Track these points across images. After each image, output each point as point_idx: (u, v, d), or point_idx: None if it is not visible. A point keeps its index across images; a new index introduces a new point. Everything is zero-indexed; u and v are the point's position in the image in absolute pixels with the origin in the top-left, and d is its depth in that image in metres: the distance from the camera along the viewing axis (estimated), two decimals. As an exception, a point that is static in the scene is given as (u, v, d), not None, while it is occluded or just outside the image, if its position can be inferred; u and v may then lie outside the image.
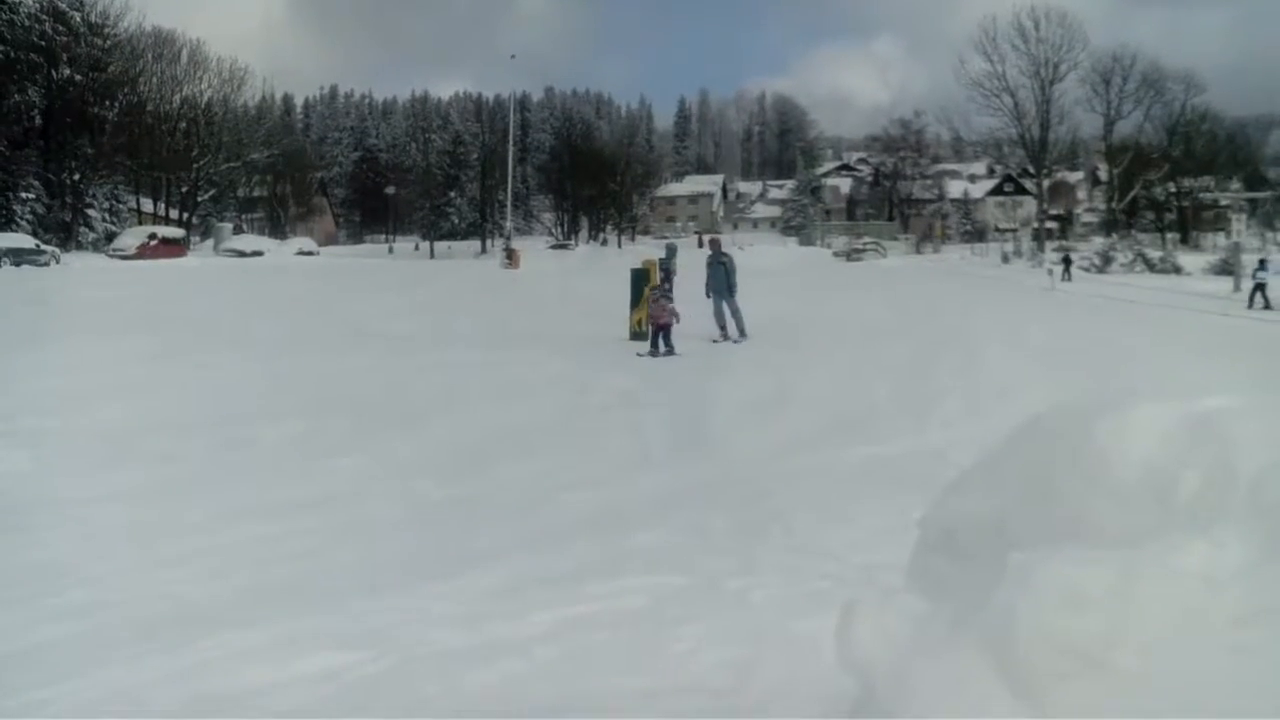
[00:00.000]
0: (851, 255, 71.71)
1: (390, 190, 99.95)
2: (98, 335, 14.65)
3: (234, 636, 4.64)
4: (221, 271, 41.89)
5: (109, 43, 73.72)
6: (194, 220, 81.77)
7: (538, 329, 19.31)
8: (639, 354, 16.57)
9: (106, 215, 73.71)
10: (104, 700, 4.03)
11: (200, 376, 13.24)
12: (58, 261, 49.96)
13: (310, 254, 68.88)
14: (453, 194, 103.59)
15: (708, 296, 19.50)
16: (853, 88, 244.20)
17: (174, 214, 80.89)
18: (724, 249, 20.73)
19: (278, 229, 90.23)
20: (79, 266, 46.29)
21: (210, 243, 73.97)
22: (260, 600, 5.19)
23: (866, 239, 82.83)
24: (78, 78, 69.12)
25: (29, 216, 66.12)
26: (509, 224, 71.78)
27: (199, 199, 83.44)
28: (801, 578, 5.36)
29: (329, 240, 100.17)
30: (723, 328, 18.99)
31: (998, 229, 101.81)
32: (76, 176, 70.40)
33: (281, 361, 14.38)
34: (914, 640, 2.40)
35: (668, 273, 26.29)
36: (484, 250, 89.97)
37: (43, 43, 67.45)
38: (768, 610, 4.88)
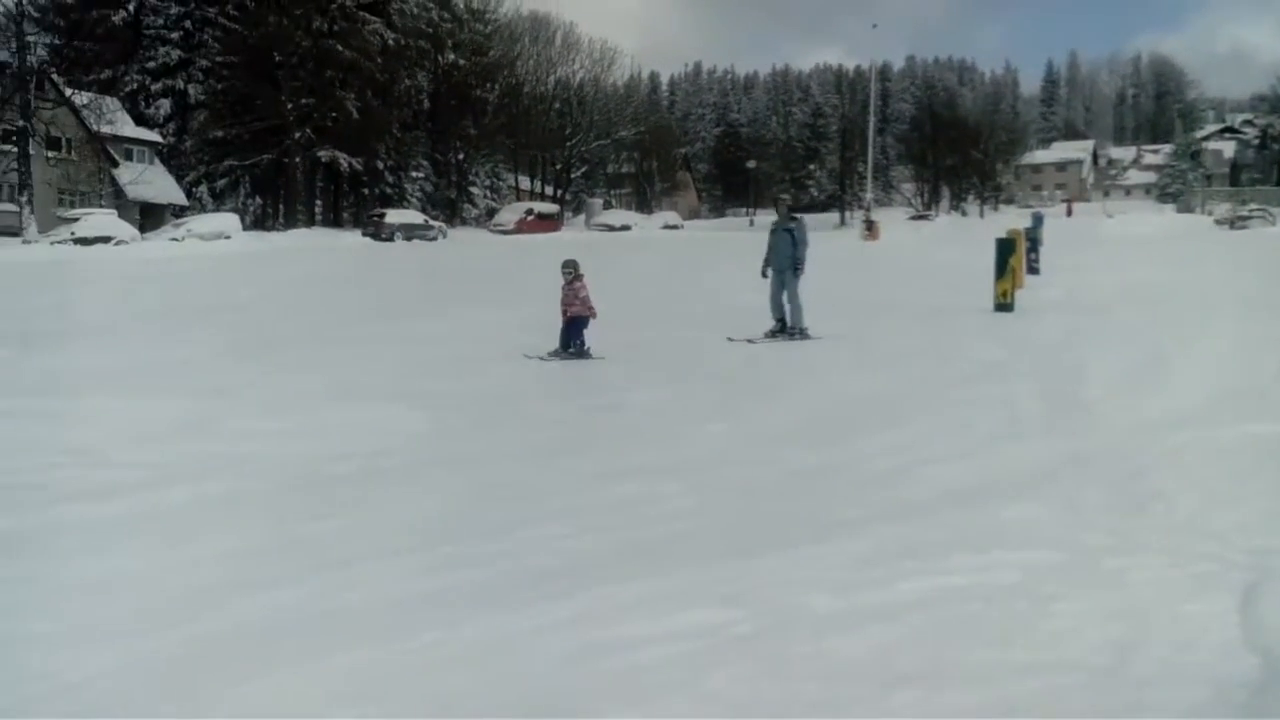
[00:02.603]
0: (1235, 223, 66.86)
1: (751, 164, 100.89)
2: (483, 304, 15.57)
3: (613, 590, 4.86)
4: (592, 245, 43.47)
5: (489, 28, 77.95)
6: (567, 196, 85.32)
7: (897, 299, 19.07)
8: (526, 355, 13.49)
9: (488, 192, 78.25)
10: (492, 645, 4.31)
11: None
12: (444, 236, 53.28)
13: (674, 228, 70.57)
14: (812, 166, 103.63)
15: (764, 275, 15.59)
16: (1253, 43, 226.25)
17: (549, 190, 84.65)
18: (794, 213, 16.33)
19: (644, 204, 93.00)
20: (463, 240, 49.11)
21: (582, 218, 76.97)
22: (636, 557, 5.39)
23: (1252, 205, 76.98)
24: (461, 62, 73.41)
25: (419, 194, 71.10)
26: (868, 195, 71.13)
27: (571, 176, 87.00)
28: (1184, 559, 5.10)
29: (692, 214, 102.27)
30: (780, 319, 15.24)
31: None
32: (461, 156, 74.96)
33: (641, 332, 14.83)
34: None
35: (1034, 242, 25.42)
36: (843, 222, 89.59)
37: (430, 30, 72.01)
38: (1148, 590, 4.68)
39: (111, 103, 57.82)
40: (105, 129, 56.32)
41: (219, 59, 64.18)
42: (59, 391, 10.86)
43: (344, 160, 65.75)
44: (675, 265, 29.25)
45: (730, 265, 29.17)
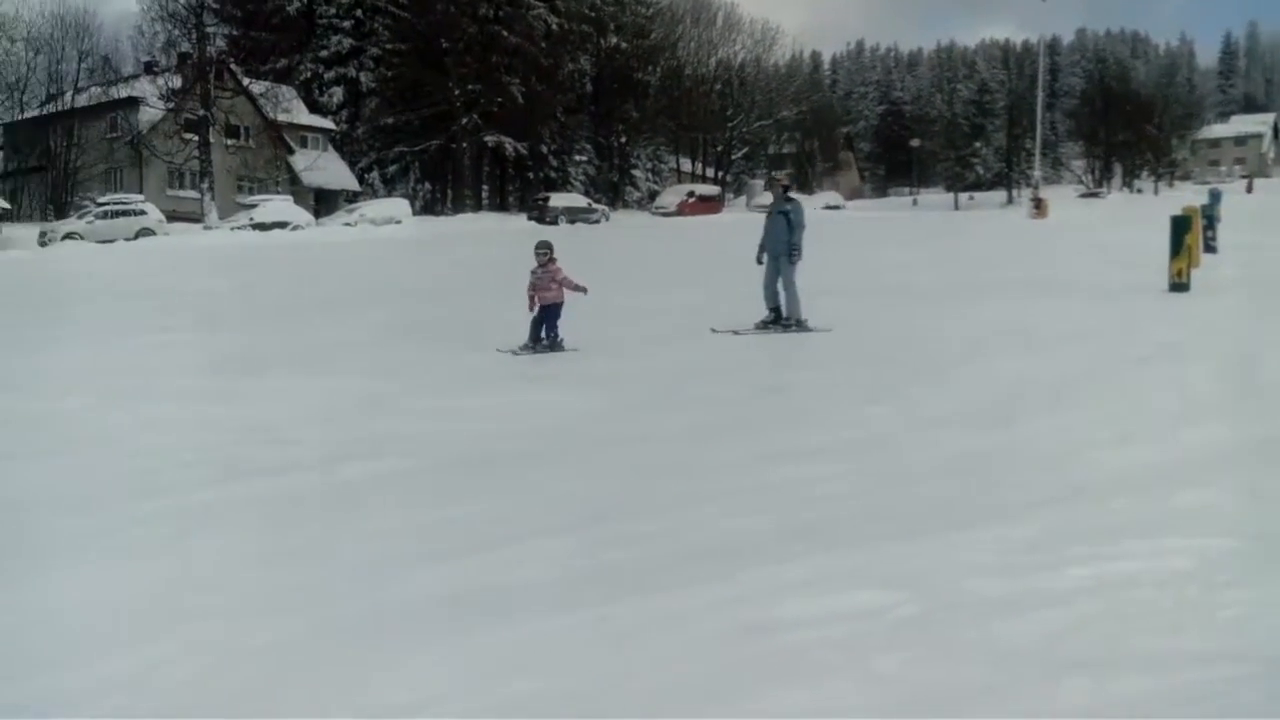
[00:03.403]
0: None
1: (915, 142, 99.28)
2: (644, 286, 15.66)
3: (774, 570, 4.87)
4: (753, 226, 43.46)
5: (651, 10, 78.34)
6: (728, 178, 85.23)
7: (1067, 279, 18.57)
8: (499, 349, 12.63)
9: (649, 175, 78.67)
10: (654, 622, 4.36)
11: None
12: (606, 219, 53.77)
13: (836, 208, 69.95)
14: (978, 144, 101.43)
15: (759, 261, 14.46)
16: None
17: (709, 172, 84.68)
18: (791, 193, 14.99)
19: (805, 184, 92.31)
20: (625, 223, 49.39)
21: (743, 199, 76.86)
22: (797, 538, 5.38)
23: None
24: (624, 45, 73.92)
25: (581, 178, 71.82)
26: (1036, 172, 69.30)
27: (732, 157, 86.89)
28: (1372, 549, 4.92)
29: (853, 194, 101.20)
30: (774, 308, 14.15)
31: None
32: (623, 139, 75.51)
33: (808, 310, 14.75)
34: None
35: (1211, 220, 24.48)
36: (1010, 200, 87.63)
37: (592, 14, 72.66)
38: (1329, 579, 4.53)
39: (287, 91, 59.78)
40: (281, 117, 58.30)
41: (389, 47, 65.77)
42: (240, 371, 11.30)
43: (509, 145, 66.83)
44: (833, 247, 28.95)
45: (890, 246, 28.84)
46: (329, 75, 68.08)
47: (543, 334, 12.72)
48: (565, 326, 12.76)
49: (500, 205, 70.30)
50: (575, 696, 3.77)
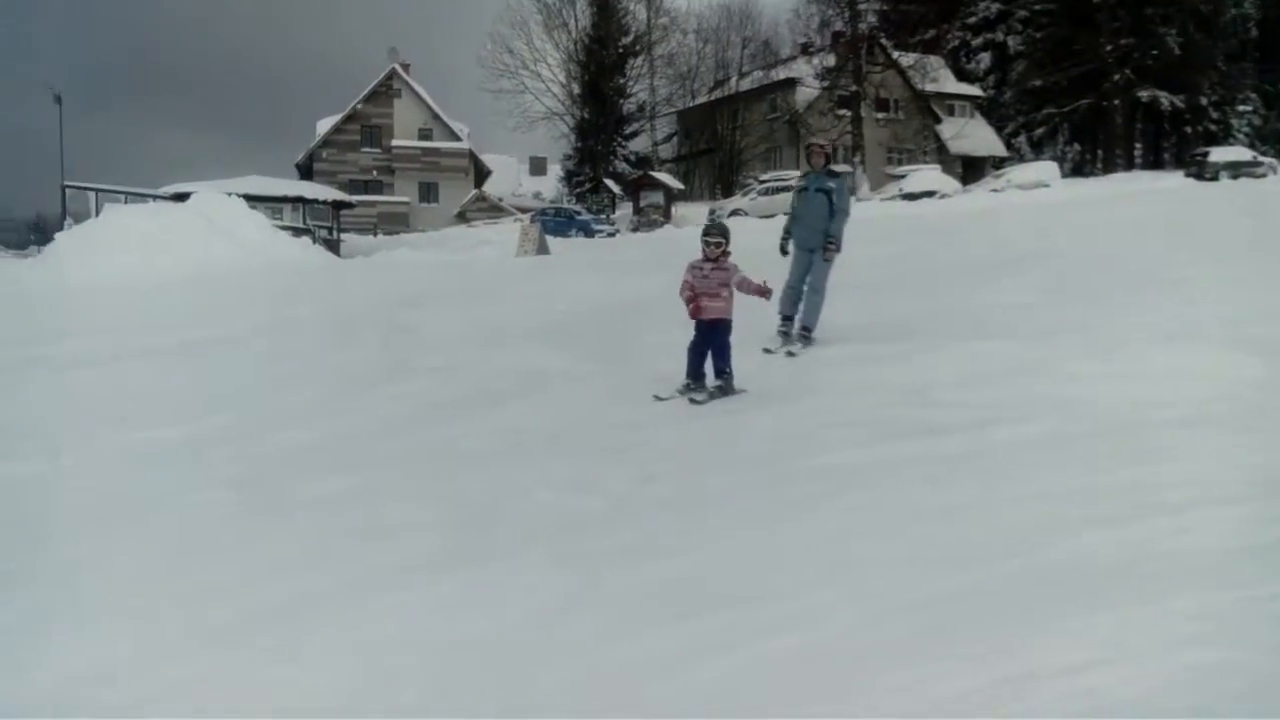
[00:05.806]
0: None
1: None
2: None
3: None
4: None
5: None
6: None
7: None
8: (659, 396, 9.45)
9: (1329, 121, 71.32)
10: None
11: None
12: (1274, 173, 49.69)
13: None
14: None
15: (783, 253, 11.41)
16: None
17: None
18: (836, 164, 11.62)
19: None
20: (1296, 177, 45.29)
21: None
22: None
23: None
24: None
25: (1246, 129, 66.62)
26: None
27: None
28: None
29: None
30: (788, 316, 11.18)
31: None
32: (1295, 86, 69.05)
33: None
34: None
35: None
36: None
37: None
38: None
39: (935, 61, 60.65)
40: (929, 87, 59.28)
41: (1037, 7, 64.58)
42: (893, 336, 11.76)
43: (1164, 99, 63.39)
44: None
45: None
46: (976, 41, 68.07)
47: (718, 368, 9.56)
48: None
49: (1154, 163, 66.78)
50: (1242, 670, 3.67)
